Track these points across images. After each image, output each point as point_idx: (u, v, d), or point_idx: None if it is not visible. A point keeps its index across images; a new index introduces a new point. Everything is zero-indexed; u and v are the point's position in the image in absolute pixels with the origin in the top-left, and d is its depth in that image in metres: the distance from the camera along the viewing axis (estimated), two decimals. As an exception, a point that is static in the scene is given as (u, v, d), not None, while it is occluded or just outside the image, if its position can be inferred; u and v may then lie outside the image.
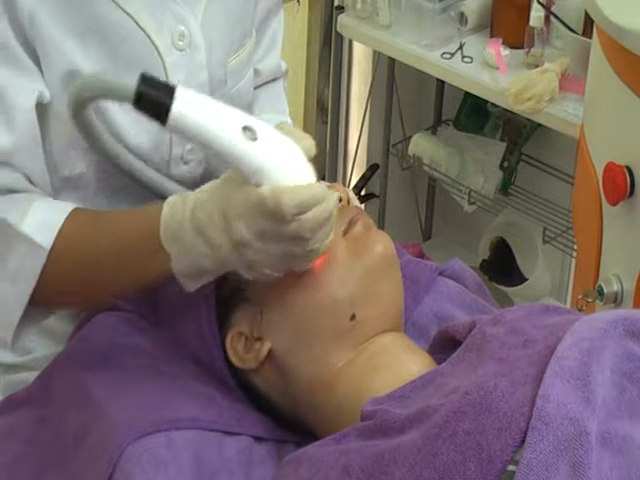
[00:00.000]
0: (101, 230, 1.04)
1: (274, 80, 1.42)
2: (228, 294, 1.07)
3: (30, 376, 1.15)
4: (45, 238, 1.02)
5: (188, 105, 0.92)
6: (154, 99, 0.92)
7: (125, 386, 1.04)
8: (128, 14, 1.09)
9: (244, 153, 0.93)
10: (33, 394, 1.10)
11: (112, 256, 1.02)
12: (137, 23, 1.10)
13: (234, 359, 1.06)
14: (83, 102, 0.98)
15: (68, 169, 1.12)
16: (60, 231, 1.02)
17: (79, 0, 1.06)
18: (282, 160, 0.94)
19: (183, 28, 1.14)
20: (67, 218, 1.03)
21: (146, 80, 0.92)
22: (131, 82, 0.92)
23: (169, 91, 0.92)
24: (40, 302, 1.05)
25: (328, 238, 0.98)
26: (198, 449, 0.98)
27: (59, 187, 1.13)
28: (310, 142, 0.98)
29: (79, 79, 0.99)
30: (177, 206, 0.97)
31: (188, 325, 1.09)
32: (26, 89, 1.05)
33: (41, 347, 1.23)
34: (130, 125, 1.12)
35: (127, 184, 1.14)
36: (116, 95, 0.95)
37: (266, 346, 1.04)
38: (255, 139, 0.93)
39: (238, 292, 1.06)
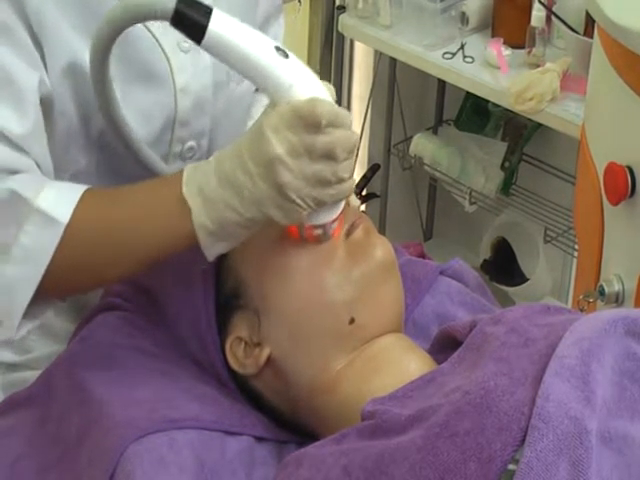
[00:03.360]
0: (117, 200, 1.03)
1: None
2: (226, 299, 1.07)
3: (30, 375, 1.15)
4: (62, 213, 0.99)
5: (224, 25, 0.96)
6: (191, 18, 0.95)
7: (126, 386, 1.04)
8: None
9: (279, 68, 0.96)
10: (34, 394, 1.10)
11: (128, 223, 1.01)
12: (145, 25, 1.10)
13: (234, 365, 1.06)
14: (122, 26, 0.99)
15: (69, 166, 1.12)
16: (77, 205, 1.00)
17: (89, 1, 1.06)
18: (313, 80, 0.98)
19: None
20: (83, 193, 1.01)
21: (183, 0, 0.95)
22: (169, 2, 0.95)
23: (206, 11, 0.95)
24: (50, 284, 1.00)
25: (352, 177, 0.98)
26: (199, 449, 0.98)
27: None
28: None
29: (114, 5, 0.99)
30: (199, 163, 0.99)
31: (188, 328, 1.09)
32: (29, 72, 1.03)
33: (41, 346, 1.23)
34: (130, 119, 1.11)
35: (130, 181, 1.13)
36: (154, 15, 0.96)
37: (265, 351, 1.04)
38: (287, 57, 0.97)
39: (236, 298, 1.06)
